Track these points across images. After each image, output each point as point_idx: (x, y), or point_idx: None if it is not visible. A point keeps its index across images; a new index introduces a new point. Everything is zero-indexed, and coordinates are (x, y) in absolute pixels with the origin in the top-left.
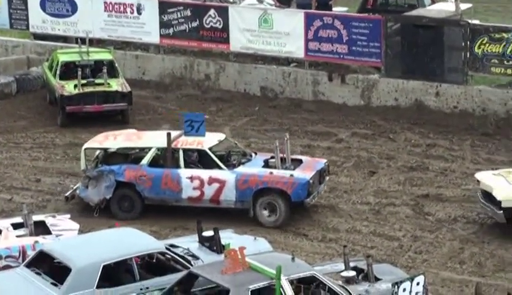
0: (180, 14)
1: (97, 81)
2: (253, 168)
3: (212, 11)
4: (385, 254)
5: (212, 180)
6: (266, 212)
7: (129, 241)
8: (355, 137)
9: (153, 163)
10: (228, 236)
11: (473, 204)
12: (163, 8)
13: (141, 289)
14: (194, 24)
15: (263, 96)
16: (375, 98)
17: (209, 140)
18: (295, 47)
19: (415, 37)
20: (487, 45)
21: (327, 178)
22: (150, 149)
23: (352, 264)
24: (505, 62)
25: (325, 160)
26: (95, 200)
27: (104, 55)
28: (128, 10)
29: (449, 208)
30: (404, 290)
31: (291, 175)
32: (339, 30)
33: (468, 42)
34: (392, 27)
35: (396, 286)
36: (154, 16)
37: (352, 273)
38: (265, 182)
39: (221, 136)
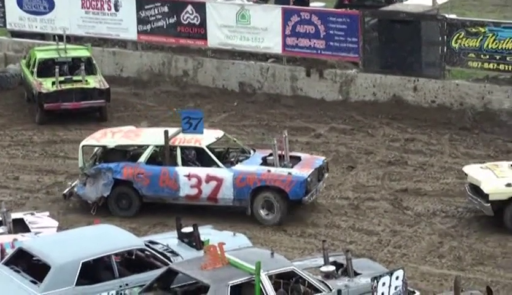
0: (158, 10)
1: (75, 78)
2: (251, 166)
3: (189, 8)
4: (364, 248)
5: (209, 178)
6: (263, 211)
7: (109, 238)
8: (334, 132)
9: (151, 160)
10: (207, 233)
11: (451, 198)
12: (140, 4)
13: (120, 286)
14: (172, 20)
15: (241, 92)
16: (353, 93)
17: (206, 137)
18: (273, 43)
19: (393, 32)
20: (464, 39)
21: (326, 175)
22: (147, 146)
23: (331, 259)
24: (482, 56)
25: (323, 158)
26: (93, 197)
27: (81, 52)
28: (105, 6)
29: (428, 202)
30: (383, 284)
31: (289, 173)
32: (316, 25)
33: (445, 37)
34: (369, 22)
35: (375, 281)
36: (131, 13)
37: (332, 268)
38: (263, 180)
39: (219, 133)
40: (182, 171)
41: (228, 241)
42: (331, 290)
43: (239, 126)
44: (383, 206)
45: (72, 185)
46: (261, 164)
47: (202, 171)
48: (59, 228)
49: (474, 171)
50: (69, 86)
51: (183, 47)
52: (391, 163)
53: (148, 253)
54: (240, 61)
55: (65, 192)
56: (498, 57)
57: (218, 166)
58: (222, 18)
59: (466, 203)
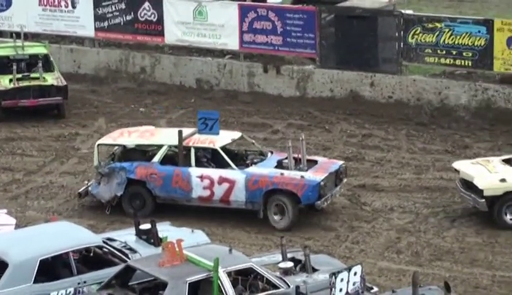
0: (115, 7)
1: (33, 75)
2: (265, 168)
3: (146, 4)
4: (322, 244)
5: (222, 180)
6: (276, 215)
7: (66, 235)
8: (291, 128)
9: (166, 161)
10: (166, 229)
11: (409, 194)
12: (98, 1)
13: (78, 283)
14: (129, 17)
15: (199, 88)
16: (310, 88)
17: (221, 139)
18: (230, 39)
19: (350, 28)
20: (421, 35)
21: (344, 180)
22: (161, 146)
23: (289, 255)
24: (438, 51)
25: (341, 162)
26: (106, 196)
27: (38, 49)
28: (63, 3)
29: (385, 198)
30: (341, 280)
31: (302, 176)
32: (273, 21)
33: (402, 32)
34: (326, 18)
35: (333, 277)
36: (88, 10)
37: (290, 264)
38: (275, 183)
39: (236, 135)
40: (194, 172)
41: (187, 237)
42: (289, 286)
43: (196, 122)
44: (341, 202)
45: (88, 184)
46: (276, 167)
47: (215, 173)
48: (17, 226)
49: (466, 167)
50: (26, 83)
51: (140, 43)
52: (348, 158)
53: (106, 250)
54: (197, 57)
55: (80, 190)
56: (454, 52)
57: (231, 167)
58: (179, 15)
59: (460, 199)
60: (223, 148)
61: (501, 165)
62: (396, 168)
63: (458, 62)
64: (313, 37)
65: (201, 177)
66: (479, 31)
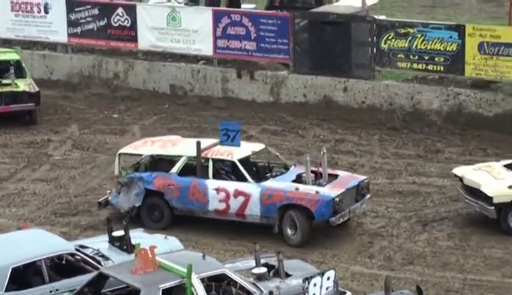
0: (88, 13)
1: (5, 81)
2: (281, 182)
3: (119, 10)
4: (295, 250)
5: (237, 193)
6: (290, 230)
7: (38, 242)
8: (265, 133)
9: (185, 172)
10: (139, 236)
11: (381, 198)
12: (71, 7)
13: (51, 291)
14: (102, 22)
15: (173, 94)
16: (284, 94)
17: (241, 151)
18: (204, 45)
19: (323, 33)
20: (393, 40)
21: (367, 196)
22: (180, 157)
23: (263, 261)
24: (411, 57)
25: (363, 177)
26: (125, 207)
27: (10, 55)
28: (35, 9)
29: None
30: (314, 285)
31: (317, 192)
32: (247, 27)
33: (375, 38)
34: (300, 23)
35: (306, 282)
36: (61, 15)
37: (263, 270)
38: (289, 198)
39: (257, 147)
40: (211, 184)
41: (160, 244)
42: (262, 292)
43: (170, 128)
44: None
45: (109, 193)
46: (295, 180)
47: (231, 186)
48: None
49: (470, 174)
50: None
51: (113, 49)
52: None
53: (79, 257)
54: (171, 63)
55: (100, 200)
56: (426, 57)
57: (247, 181)
58: (153, 20)
59: (465, 206)
60: (243, 160)
61: (505, 171)
62: (369, 173)
63: (430, 67)
64: (287, 43)
65: (217, 190)
66: (451, 37)
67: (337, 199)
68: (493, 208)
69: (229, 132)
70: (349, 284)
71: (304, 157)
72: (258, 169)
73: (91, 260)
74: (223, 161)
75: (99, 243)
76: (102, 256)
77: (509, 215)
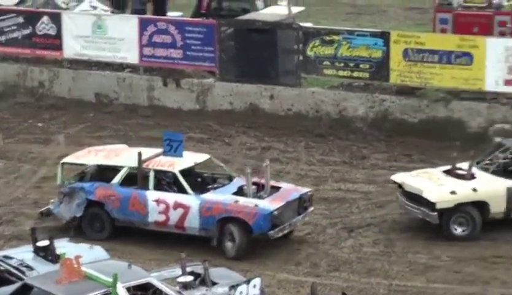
0: (13, 21)
1: None
2: (221, 195)
3: (45, 18)
4: (222, 258)
5: (177, 205)
6: (228, 243)
7: None
8: (191, 141)
9: (127, 182)
10: (63, 245)
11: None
12: None
13: None
14: (27, 31)
15: (98, 103)
16: (210, 102)
17: (183, 162)
18: (129, 53)
19: (249, 41)
20: (319, 47)
21: (310, 209)
22: (122, 167)
23: (189, 269)
24: (337, 64)
25: (307, 190)
26: (66, 217)
27: None
28: None
29: None
30: (241, 293)
31: (256, 205)
32: (173, 35)
33: (301, 45)
34: (226, 31)
35: (233, 290)
36: None
37: (189, 278)
38: (228, 210)
39: (201, 158)
40: (151, 195)
41: (85, 253)
42: None
43: (95, 137)
44: None
45: (50, 203)
46: (236, 192)
47: (171, 197)
48: None
49: (411, 180)
50: None
51: (38, 57)
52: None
53: (2, 268)
54: (96, 71)
55: (42, 209)
56: (352, 64)
57: (186, 192)
58: (78, 29)
59: (403, 212)
60: (184, 171)
61: (444, 177)
62: (295, 180)
63: (355, 74)
64: (213, 51)
65: (157, 202)
66: (376, 43)
67: (276, 212)
68: (436, 213)
69: (173, 142)
70: (275, 291)
71: (245, 168)
72: (202, 181)
73: (15, 271)
74: (164, 172)
75: (23, 253)
76: (27, 266)
77: (451, 220)
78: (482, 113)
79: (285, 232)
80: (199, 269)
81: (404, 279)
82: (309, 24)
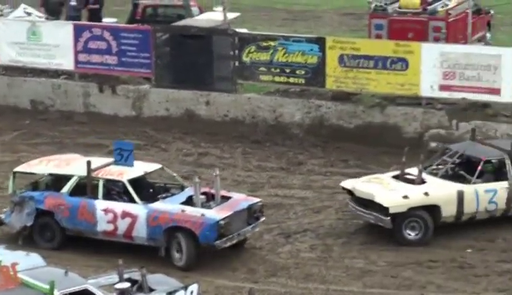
0: None
1: None
2: (169, 204)
3: None
4: (162, 264)
5: (125, 215)
6: (176, 253)
7: None
8: None
9: (77, 192)
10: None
11: None
12: None
13: None
14: None
15: (34, 109)
16: (146, 108)
17: (132, 171)
18: (65, 59)
19: (185, 47)
20: (255, 53)
21: (262, 219)
22: (71, 176)
23: (126, 276)
24: (273, 70)
25: (257, 200)
26: (17, 226)
27: None
28: None
29: None
30: None
31: (203, 214)
32: (108, 41)
33: (237, 51)
34: (161, 37)
35: None
36: None
37: (126, 285)
38: (175, 220)
39: (151, 167)
40: (100, 205)
41: (21, 261)
42: None
43: (31, 144)
44: None
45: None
46: (185, 202)
47: (119, 207)
48: None
49: (362, 186)
50: None
51: None
52: (184, 177)
53: None
54: (31, 78)
55: None
56: (288, 70)
57: (134, 202)
58: (13, 35)
59: (355, 218)
60: (133, 181)
61: (394, 182)
62: (232, 186)
63: (291, 80)
64: (148, 57)
65: (106, 211)
66: (312, 49)
67: (222, 222)
68: (389, 218)
69: (123, 152)
70: None
71: (194, 178)
72: (154, 190)
73: None
74: (114, 181)
75: None
76: None
77: (404, 225)
78: (417, 118)
79: (233, 242)
80: (136, 276)
81: (341, 284)
82: (244, 30)
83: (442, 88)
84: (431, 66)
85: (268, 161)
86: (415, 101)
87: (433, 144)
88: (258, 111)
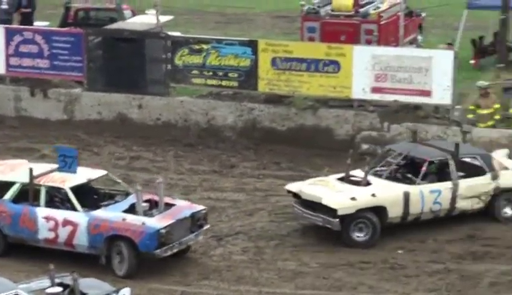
0: None
1: None
2: (110, 212)
3: None
4: (92, 268)
5: (66, 223)
6: (118, 262)
7: None
8: None
9: (20, 199)
10: None
11: None
12: None
13: None
14: None
15: None
16: (78, 112)
17: (75, 178)
18: None
19: (117, 50)
20: (188, 56)
21: (205, 227)
22: (14, 183)
23: (57, 280)
24: (205, 73)
25: (201, 207)
26: None
27: None
28: None
29: None
30: None
31: (143, 223)
32: (40, 45)
33: (169, 54)
34: (94, 41)
35: None
36: None
37: (58, 289)
38: (115, 228)
39: (95, 174)
40: (41, 212)
41: None
42: None
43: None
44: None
45: None
46: (127, 210)
47: (60, 214)
48: None
49: (308, 188)
50: None
51: None
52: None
53: None
54: None
55: None
56: (220, 73)
57: (76, 209)
58: None
59: (302, 221)
60: (76, 188)
61: (340, 184)
62: (165, 189)
63: (224, 83)
64: (80, 60)
65: (47, 219)
66: (245, 52)
67: (163, 231)
68: (337, 220)
69: (67, 158)
70: None
71: (135, 185)
72: (99, 197)
73: None
74: (56, 188)
75: None
76: None
77: (351, 226)
78: (349, 120)
79: (174, 250)
80: (68, 280)
81: (274, 286)
82: (177, 33)
83: (374, 90)
84: (363, 69)
85: (201, 164)
86: (347, 103)
87: (364, 146)
88: (191, 114)
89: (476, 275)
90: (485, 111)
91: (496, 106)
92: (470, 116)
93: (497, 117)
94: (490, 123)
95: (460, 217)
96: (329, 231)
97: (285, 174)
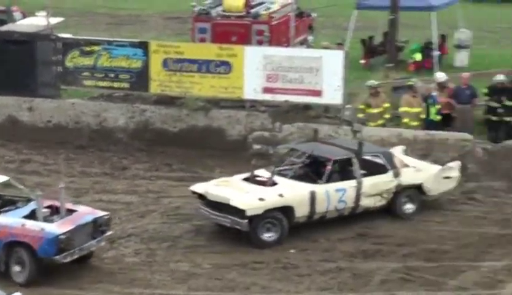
0: None
1: None
2: (9, 218)
3: None
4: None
5: None
6: (17, 268)
7: None
8: None
9: None
10: None
11: None
12: None
13: None
14: None
15: None
16: None
17: None
18: None
19: (7, 53)
20: (79, 58)
21: (108, 233)
22: None
23: None
24: (97, 75)
25: (103, 213)
26: None
27: None
28: None
29: None
30: None
31: (42, 229)
32: None
33: (60, 56)
34: None
35: None
36: None
37: None
38: (14, 234)
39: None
40: None
41: None
42: None
43: None
44: None
45: None
46: (28, 216)
47: None
48: None
49: (214, 189)
50: None
51: None
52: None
53: None
54: None
55: None
56: (112, 75)
57: None
58: None
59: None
60: None
61: (246, 184)
62: (55, 192)
63: (116, 84)
64: None
65: None
66: (136, 54)
67: (63, 237)
68: (246, 221)
69: None
70: None
71: (35, 191)
72: (2, 203)
73: None
74: None
75: None
76: None
77: (260, 227)
78: (241, 121)
79: (75, 256)
80: None
81: (167, 288)
82: (68, 35)
83: (266, 90)
84: (254, 69)
85: (92, 166)
86: (239, 104)
87: (256, 146)
88: (82, 116)
89: (368, 273)
90: (375, 110)
91: (386, 105)
92: (361, 115)
93: (387, 116)
94: (380, 122)
95: (352, 216)
96: (222, 232)
97: (177, 176)
